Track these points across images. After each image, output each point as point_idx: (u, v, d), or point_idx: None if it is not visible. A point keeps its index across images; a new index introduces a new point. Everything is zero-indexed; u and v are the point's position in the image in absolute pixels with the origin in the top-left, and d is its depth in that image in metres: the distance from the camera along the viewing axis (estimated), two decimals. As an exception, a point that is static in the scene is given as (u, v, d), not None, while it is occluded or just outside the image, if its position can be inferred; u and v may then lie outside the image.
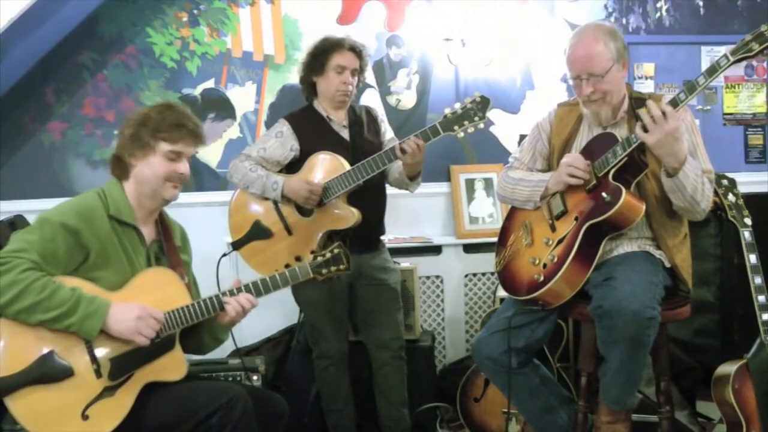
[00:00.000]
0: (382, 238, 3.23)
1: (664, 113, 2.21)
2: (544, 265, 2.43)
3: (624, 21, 4.15)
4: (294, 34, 3.90)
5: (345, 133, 3.09)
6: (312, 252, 2.42)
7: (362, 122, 3.14)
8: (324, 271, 2.37)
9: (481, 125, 2.87)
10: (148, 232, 2.33)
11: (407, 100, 4.01)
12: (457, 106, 2.86)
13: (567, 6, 4.10)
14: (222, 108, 3.88)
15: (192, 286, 2.42)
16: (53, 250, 2.10)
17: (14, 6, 3.49)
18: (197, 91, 3.86)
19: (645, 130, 2.25)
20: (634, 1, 4.17)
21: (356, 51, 3.04)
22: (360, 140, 3.09)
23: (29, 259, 2.06)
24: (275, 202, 3.01)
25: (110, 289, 2.18)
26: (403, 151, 2.84)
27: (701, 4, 4.20)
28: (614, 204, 2.31)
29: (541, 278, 2.41)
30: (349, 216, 2.93)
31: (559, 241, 2.43)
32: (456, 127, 2.84)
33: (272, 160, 3.04)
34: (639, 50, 4.11)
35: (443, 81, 4.02)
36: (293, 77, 3.88)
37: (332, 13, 3.91)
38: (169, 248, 2.36)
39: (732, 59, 2.22)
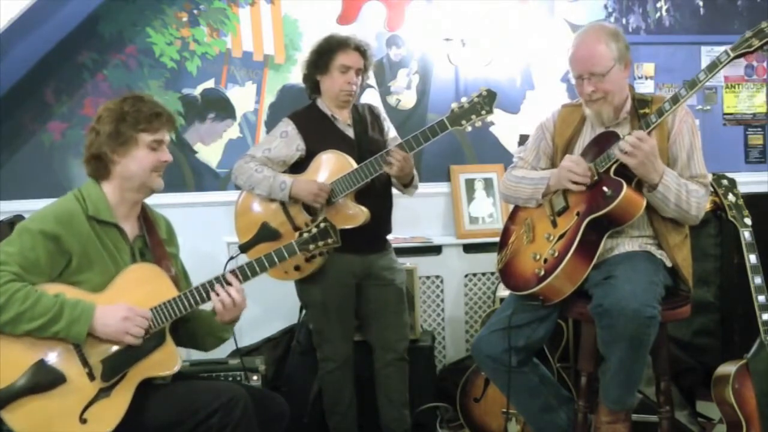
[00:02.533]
0: (388, 237, 3.22)
1: (640, 139, 2.30)
2: (545, 260, 2.44)
3: (624, 21, 4.15)
4: (294, 34, 3.90)
5: (350, 132, 3.08)
6: (297, 229, 2.37)
7: (366, 120, 3.13)
8: (311, 247, 2.31)
9: (489, 118, 2.91)
10: (131, 228, 2.31)
11: (407, 100, 4.01)
12: (464, 100, 2.90)
13: (567, 6, 4.09)
14: (222, 108, 3.88)
15: (181, 278, 2.41)
16: (34, 258, 2.09)
17: (14, 6, 3.49)
18: (197, 91, 3.85)
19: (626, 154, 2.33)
20: (634, 1, 4.17)
21: (361, 50, 3.03)
22: (365, 138, 3.07)
23: (9, 271, 2.05)
24: (282, 203, 3.00)
25: (95, 290, 2.16)
26: (389, 163, 2.85)
27: (701, 4, 4.20)
28: (615, 198, 2.33)
29: (542, 272, 2.42)
30: (358, 214, 2.92)
31: (560, 237, 2.44)
32: (463, 122, 2.87)
33: (277, 160, 3.02)
34: (639, 50, 4.11)
35: (443, 81, 4.02)
36: (293, 77, 3.88)
37: (332, 13, 3.91)
38: (153, 242, 2.33)
39: (732, 55, 2.26)
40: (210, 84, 3.86)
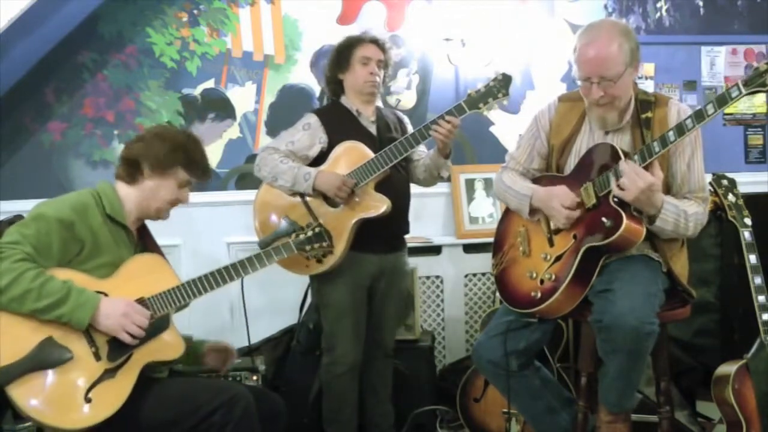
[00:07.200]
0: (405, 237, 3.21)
1: (637, 174, 2.22)
2: (542, 281, 2.40)
3: (624, 21, 4.14)
4: (294, 34, 3.90)
5: (373, 128, 3.07)
6: (294, 231, 2.43)
7: (389, 121, 3.14)
8: (308, 248, 2.42)
9: (505, 102, 2.99)
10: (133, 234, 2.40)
11: (407, 100, 4.01)
12: (480, 85, 2.93)
13: (567, 6, 4.10)
14: (222, 108, 3.88)
15: None
16: (48, 243, 2.13)
17: (14, 6, 3.49)
18: (197, 91, 3.86)
19: (621, 188, 2.25)
20: (634, 1, 4.17)
21: (378, 43, 3.06)
22: (387, 137, 3.06)
23: (23, 251, 2.09)
24: (302, 196, 2.97)
25: (102, 277, 2.21)
26: (437, 131, 2.88)
27: (701, 4, 4.20)
28: (615, 230, 2.26)
29: (539, 295, 2.38)
30: (380, 203, 2.91)
31: (557, 258, 2.39)
32: (481, 105, 2.92)
33: (300, 153, 3.01)
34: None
35: (443, 81, 4.02)
36: (293, 77, 3.89)
37: (332, 13, 3.91)
38: (150, 245, 2.43)
39: (744, 91, 2.15)
40: (210, 84, 3.86)
